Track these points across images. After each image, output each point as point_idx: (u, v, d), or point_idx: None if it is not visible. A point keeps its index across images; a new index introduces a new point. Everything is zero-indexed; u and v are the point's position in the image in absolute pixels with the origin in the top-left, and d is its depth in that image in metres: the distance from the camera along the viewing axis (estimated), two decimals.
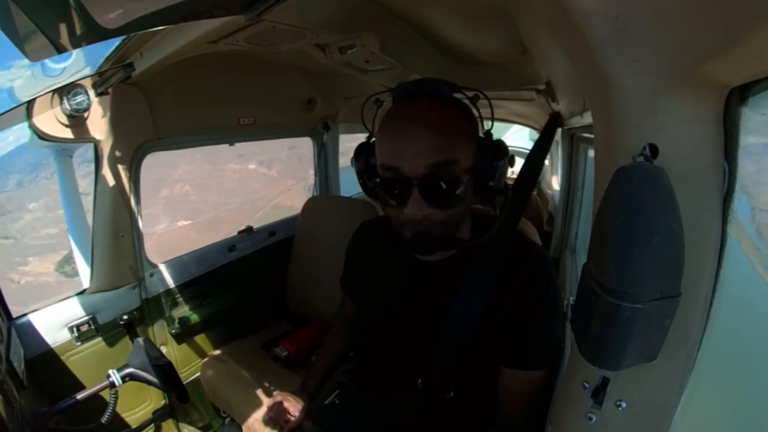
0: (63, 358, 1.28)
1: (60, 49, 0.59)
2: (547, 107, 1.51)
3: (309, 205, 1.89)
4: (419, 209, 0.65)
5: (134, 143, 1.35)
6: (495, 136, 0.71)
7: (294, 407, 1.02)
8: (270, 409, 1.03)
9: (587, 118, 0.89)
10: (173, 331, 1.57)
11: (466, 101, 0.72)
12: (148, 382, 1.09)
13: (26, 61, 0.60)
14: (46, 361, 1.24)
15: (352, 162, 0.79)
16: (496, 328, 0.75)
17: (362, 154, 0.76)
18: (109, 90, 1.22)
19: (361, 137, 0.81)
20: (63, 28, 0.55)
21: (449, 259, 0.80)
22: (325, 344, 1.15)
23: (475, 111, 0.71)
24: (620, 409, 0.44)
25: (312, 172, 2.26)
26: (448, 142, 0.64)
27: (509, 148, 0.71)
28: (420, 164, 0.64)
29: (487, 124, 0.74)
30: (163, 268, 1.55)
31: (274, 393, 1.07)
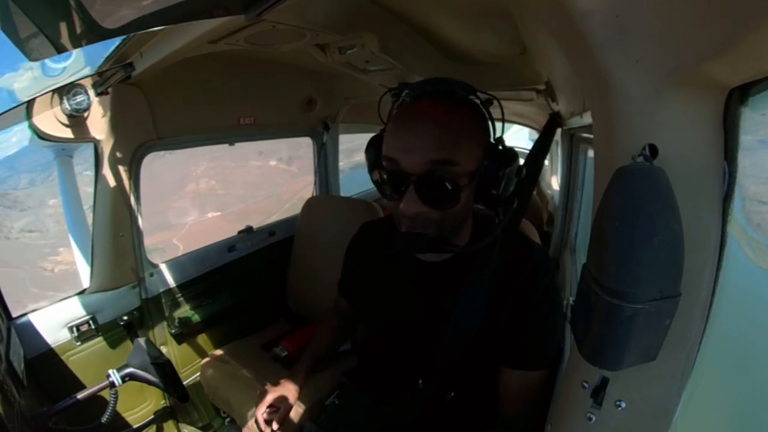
0: (63, 358, 1.28)
1: (60, 49, 0.59)
2: (547, 107, 1.51)
3: (309, 205, 1.89)
4: (413, 206, 0.65)
5: (134, 143, 1.35)
6: (499, 136, 0.70)
7: (285, 400, 1.02)
8: (263, 414, 1.01)
9: (587, 118, 0.89)
10: (173, 331, 1.57)
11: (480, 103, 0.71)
12: (148, 382, 1.09)
13: (26, 61, 0.60)
14: (46, 361, 1.24)
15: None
16: (498, 328, 0.75)
17: (373, 146, 0.75)
18: (109, 90, 1.21)
19: (360, 137, 0.81)
20: (63, 28, 0.55)
21: (451, 259, 0.80)
22: (317, 336, 1.15)
23: (488, 114, 0.70)
24: (620, 409, 0.44)
25: None
26: (450, 141, 0.64)
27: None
28: (418, 160, 0.63)
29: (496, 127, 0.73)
30: (163, 267, 1.55)
31: (264, 388, 1.05)
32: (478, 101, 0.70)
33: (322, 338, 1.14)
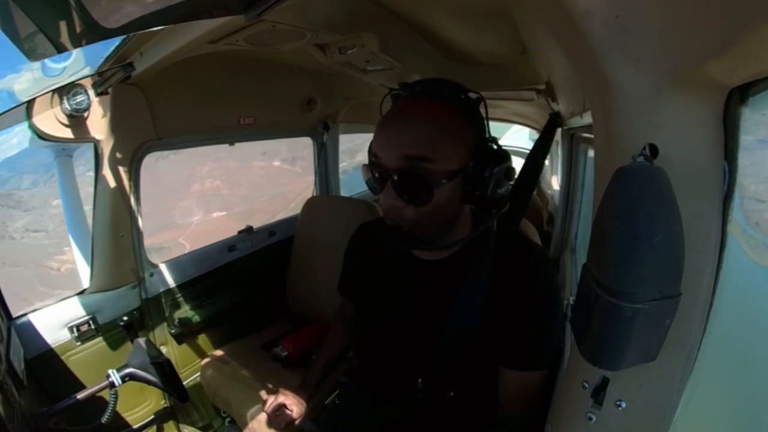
0: (63, 358, 1.28)
1: (60, 49, 0.59)
2: (547, 107, 1.51)
3: (309, 205, 1.89)
4: (389, 200, 0.66)
5: (134, 143, 1.35)
6: (494, 136, 0.71)
7: (296, 406, 1.07)
8: (272, 410, 1.07)
9: (587, 118, 0.89)
10: (173, 331, 1.57)
11: (475, 103, 0.72)
12: (148, 382, 1.09)
13: (27, 61, 0.60)
14: (46, 361, 1.24)
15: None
16: (497, 328, 0.75)
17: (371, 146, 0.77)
18: (109, 90, 1.22)
19: (361, 137, 0.82)
20: (63, 28, 0.55)
21: (450, 258, 0.80)
22: (325, 342, 1.18)
23: (482, 114, 0.71)
24: (620, 409, 0.44)
25: None
26: (426, 139, 0.64)
27: (509, 149, 0.71)
28: (394, 155, 0.65)
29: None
30: (163, 268, 1.55)
31: (278, 391, 1.12)
32: (471, 101, 0.70)
33: (331, 348, 1.16)
